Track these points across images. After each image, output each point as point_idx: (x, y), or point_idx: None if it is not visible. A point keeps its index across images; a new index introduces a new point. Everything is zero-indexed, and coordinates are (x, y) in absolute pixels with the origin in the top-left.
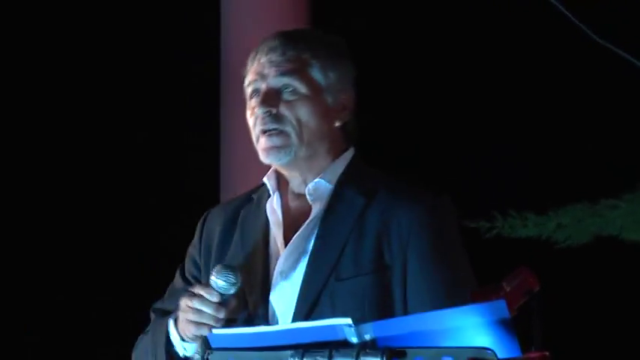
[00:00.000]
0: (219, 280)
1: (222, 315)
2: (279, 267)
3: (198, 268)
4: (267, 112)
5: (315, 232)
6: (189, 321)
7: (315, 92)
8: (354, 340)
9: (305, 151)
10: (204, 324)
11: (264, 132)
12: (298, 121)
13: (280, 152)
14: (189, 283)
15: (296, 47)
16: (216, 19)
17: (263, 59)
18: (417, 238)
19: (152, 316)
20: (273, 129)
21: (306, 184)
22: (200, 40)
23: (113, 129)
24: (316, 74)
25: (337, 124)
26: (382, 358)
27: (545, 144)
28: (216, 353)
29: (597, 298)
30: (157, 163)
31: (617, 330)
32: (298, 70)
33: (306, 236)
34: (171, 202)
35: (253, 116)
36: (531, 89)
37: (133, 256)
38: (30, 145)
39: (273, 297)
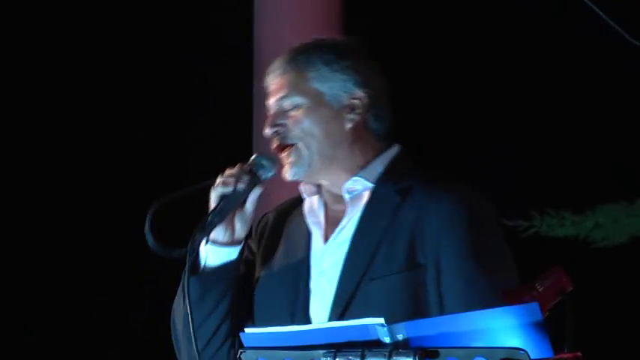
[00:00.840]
0: (261, 159)
1: (244, 175)
2: (318, 266)
3: (252, 252)
4: (274, 132)
5: (352, 232)
6: (215, 186)
7: (317, 101)
8: (387, 339)
9: (319, 159)
10: (226, 182)
11: (277, 149)
12: (304, 132)
13: (294, 168)
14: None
15: (294, 63)
16: (249, 18)
17: (268, 82)
18: (448, 235)
19: None
20: (284, 145)
21: (341, 185)
22: (233, 39)
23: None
24: (316, 84)
25: (349, 125)
26: (415, 358)
27: (584, 142)
28: (248, 352)
29: (632, 299)
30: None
31: None
32: (296, 84)
33: (344, 236)
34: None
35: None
36: (572, 88)
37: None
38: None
39: (314, 297)
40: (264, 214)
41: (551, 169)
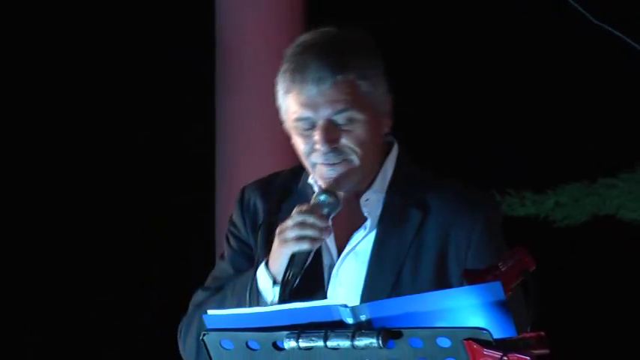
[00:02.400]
0: (327, 196)
1: (325, 224)
2: (334, 277)
3: (245, 243)
4: (330, 148)
5: (372, 245)
6: (289, 240)
7: (370, 113)
8: (350, 320)
9: (365, 173)
10: (307, 236)
11: (328, 165)
12: (358, 146)
13: (342, 181)
14: (241, 257)
15: (343, 72)
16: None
17: (311, 91)
18: (474, 254)
19: (198, 299)
20: (337, 162)
21: (358, 191)
22: (195, 30)
23: (106, 125)
24: (367, 94)
25: (385, 130)
26: (378, 338)
27: (544, 123)
28: (211, 334)
29: (594, 276)
30: (151, 159)
31: (613, 308)
32: (351, 99)
33: (361, 248)
34: (166, 199)
35: (307, 146)
36: (531, 70)
37: (129, 254)
38: (23, 145)
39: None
40: (243, 194)
41: (513, 150)
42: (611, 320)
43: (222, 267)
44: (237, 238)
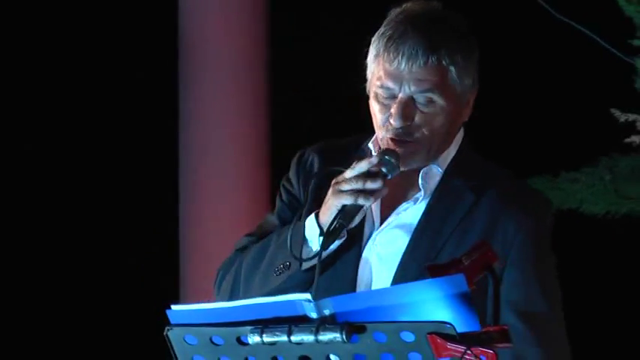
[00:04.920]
0: (388, 157)
1: (382, 183)
2: (372, 242)
3: (295, 197)
4: (403, 125)
5: (419, 217)
6: (343, 191)
7: (451, 100)
8: (314, 315)
9: (432, 156)
10: (363, 190)
11: (397, 141)
12: (431, 131)
13: (410, 160)
14: (288, 212)
15: (437, 53)
16: (174, 12)
17: (402, 66)
18: (520, 248)
19: (241, 243)
20: (406, 140)
21: (418, 165)
22: (157, 30)
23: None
24: (454, 81)
25: (465, 119)
26: (341, 333)
27: (506, 117)
28: (175, 329)
29: (557, 270)
30: (113, 159)
31: (576, 302)
32: (437, 82)
33: (406, 219)
34: (128, 199)
35: (383, 118)
36: (492, 65)
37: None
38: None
39: (363, 268)
40: (303, 153)
41: (477, 144)
42: (573, 312)
43: (269, 218)
44: (289, 193)
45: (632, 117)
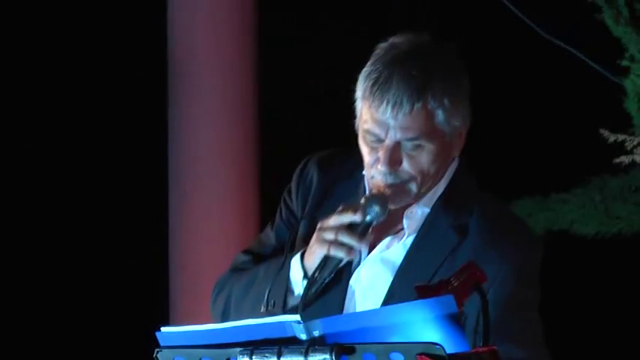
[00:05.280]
0: (374, 205)
1: (363, 239)
2: (356, 275)
3: (293, 214)
4: (389, 171)
5: (403, 256)
6: (326, 240)
7: (440, 142)
8: (303, 336)
9: (424, 190)
10: (344, 244)
11: (385, 186)
12: (420, 173)
13: (399, 200)
14: (286, 229)
15: (422, 99)
16: (163, 24)
17: (387, 114)
18: (498, 287)
19: (237, 262)
20: (394, 184)
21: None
22: (147, 37)
23: (55, 132)
24: (441, 124)
25: (456, 153)
26: (331, 354)
27: (496, 138)
28: (164, 351)
29: (547, 291)
30: (103, 168)
31: (567, 321)
32: (424, 129)
33: (391, 254)
34: (119, 202)
35: (371, 157)
36: (482, 85)
37: (78, 258)
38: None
39: (349, 299)
40: (306, 164)
41: (467, 166)
42: (565, 334)
43: (268, 232)
44: (287, 207)
45: (621, 137)
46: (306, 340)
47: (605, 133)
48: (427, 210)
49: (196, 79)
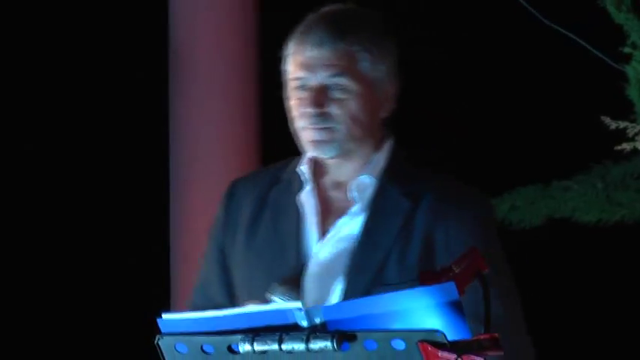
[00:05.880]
0: (282, 297)
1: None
2: (316, 257)
3: (222, 250)
4: (317, 111)
5: (359, 229)
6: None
7: (365, 87)
8: (305, 323)
9: (351, 146)
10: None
11: (313, 128)
12: (346, 118)
13: (327, 146)
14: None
15: (345, 40)
16: (164, 16)
17: (310, 53)
18: (464, 243)
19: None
20: (321, 127)
21: (348, 175)
22: (148, 35)
23: (55, 129)
24: (366, 68)
25: (383, 115)
26: (332, 341)
27: (498, 126)
28: (165, 338)
29: (549, 279)
30: (103, 163)
31: (568, 310)
32: (348, 67)
33: (347, 232)
34: (119, 201)
35: (299, 109)
36: (484, 72)
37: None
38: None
39: (309, 286)
40: (230, 189)
41: (469, 153)
42: (565, 321)
43: (202, 272)
44: (215, 239)
45: (622, 124)
46: (307, 327)
47: (606, 120)
48: (374, 180)
49: (198, 77)
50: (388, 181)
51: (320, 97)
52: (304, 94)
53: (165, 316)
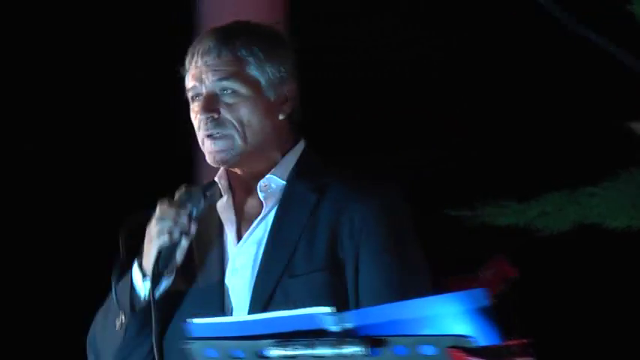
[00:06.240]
0: (190, 195)
1: (183, 219)
2: (232, 264)
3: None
4: (209, 117)
5: (268, 229)
6: (152, 235)
7: (255, 90)
8: (335, 328)
9: (251, 150)
10: (165, 229)
11: (207, 136)
12: (240, 122)
13: (225, 155)
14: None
15: (230, 46)
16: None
17: (199, 62)
18: (368, 233)
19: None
20: (216, 133)
21: (257, 181)
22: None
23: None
24: (254, 71)
25: (281, 117)
26: (362, 346)
27: (526, 132)
28: (196, 343)
29: (577, 285)
30: (131, 158)
31: (596, 316)
32: (235, 71)
33: (259, 234)
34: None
35: (197, 120)
36: (513, 78)
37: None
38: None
39: (229, 297)
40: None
41: (496, 159)
42: (593, 327)
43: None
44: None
45: None
46: (337, 332)
47: (634, 126)
48: (282, 182)
49: None
50: (297, 179)
51: (210, 103)
52: (197, 104)
53: (195, 320)
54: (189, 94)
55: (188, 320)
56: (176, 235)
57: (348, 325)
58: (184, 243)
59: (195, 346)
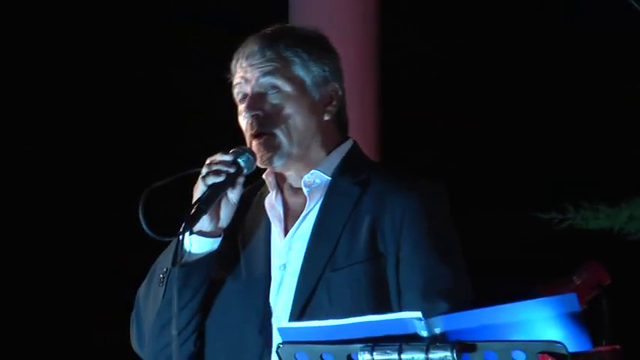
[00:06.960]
0: (245, 152)
1: (233, 168)
2: (279, 260)
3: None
4: (254, 115)
5: (312, 224)
6: (202, 177)
7: (300, 90)
8: (424, 333)
9: (297, 150)
10: (218, 171)
11: (254, 136)
12: (286, 121)
13: (273, 157)
14: None
15: (274, 47)
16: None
17: (244, 64)
18: (410, 226)
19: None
20: (262, 133)
21: (301, 178)
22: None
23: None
24: (299, 71)
25: (326, 117)
26: (452, 351)
27: (617, 134)
28: (285, 346)
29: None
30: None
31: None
32: (280, 69)
33: (304, 229)
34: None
35: (244, 121)
36: (601, 79)
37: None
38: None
39: (273, 290)
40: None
41: (587, 162)
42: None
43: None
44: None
45: None
46: (427, 337)
47: None
48: (327, 178)
49: None
50: (340, 174)
51: (255, 101)
52: (244, 105)
53: (284, 324)
54: (237, 96)
55: (278, 326)
56: (223, 176)
57: (438, 330)
58: (232, 197)
59: (285, 350)
